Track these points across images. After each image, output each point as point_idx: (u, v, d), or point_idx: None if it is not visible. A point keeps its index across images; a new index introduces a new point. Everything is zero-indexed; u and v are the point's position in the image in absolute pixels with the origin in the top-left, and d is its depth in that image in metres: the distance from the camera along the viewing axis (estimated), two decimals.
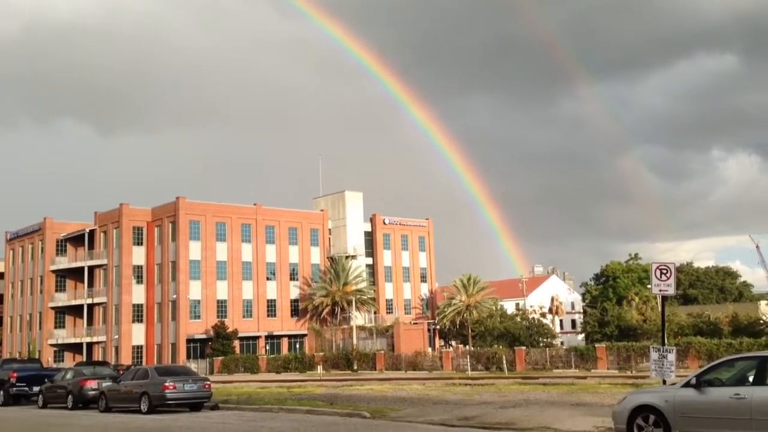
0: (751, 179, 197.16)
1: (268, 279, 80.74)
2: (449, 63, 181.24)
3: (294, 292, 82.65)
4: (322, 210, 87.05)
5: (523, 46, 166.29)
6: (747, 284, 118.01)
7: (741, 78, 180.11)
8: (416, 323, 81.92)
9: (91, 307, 79.24)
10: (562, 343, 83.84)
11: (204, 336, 73.73)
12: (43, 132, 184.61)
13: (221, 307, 76.72)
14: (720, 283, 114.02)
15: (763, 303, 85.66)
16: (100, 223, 79.96)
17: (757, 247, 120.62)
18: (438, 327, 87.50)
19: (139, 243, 77.36)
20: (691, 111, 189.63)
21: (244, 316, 77.94)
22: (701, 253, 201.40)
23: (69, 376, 29.98)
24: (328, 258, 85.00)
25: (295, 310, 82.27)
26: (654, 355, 17.50)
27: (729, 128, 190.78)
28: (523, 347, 55.95)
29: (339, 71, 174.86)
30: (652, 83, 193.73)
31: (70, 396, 28.42)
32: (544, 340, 73.26)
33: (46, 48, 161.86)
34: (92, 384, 28.10)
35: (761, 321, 62.47)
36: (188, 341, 73.66)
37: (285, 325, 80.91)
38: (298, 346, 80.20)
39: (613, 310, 77.75)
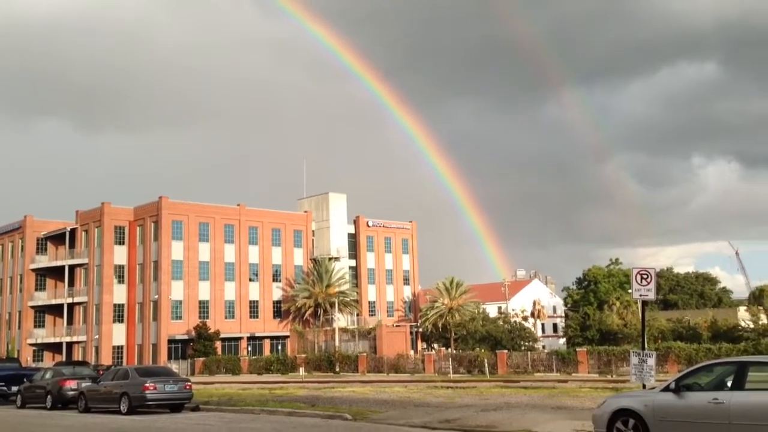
0: (731, 186, 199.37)
1: (250, 280, 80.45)
2: (434, 66, 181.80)
3: (277, 294, 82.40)
4: (305, 211, 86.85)
5: (506, 51, 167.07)
6: (726, 290, 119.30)
7: (721, 86, 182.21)
8: (399, 326, 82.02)
9: (71, 306, 78.54)
10: (543, 346, 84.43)
11: (185, 337, 73.33)
12: (24, 129, 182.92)
13: (203, 307, 76.35)
14: (699, 289, 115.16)
15: (741, 309, 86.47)
16: (82, 222, 79.31)
17: (736, 253, 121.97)
18: (420, 330, 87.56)
19: (120, 242, 76.82)
20: (671, 118, 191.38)
21: (226, 317, 77.61)
22: (681, 258, 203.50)
23: (48, 376, 29.72)
24: (311, 259, 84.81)
25: (278, 312, 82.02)
26: (634, 360, 17.62)
27: (709, 136, 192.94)
28: (505, 351, 56.24)
29: (325, 73, 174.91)
30: (634, 90, 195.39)
31: (49, 396, 28.20)
32: (526, 343, 73.83)
33: (27, 45, 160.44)
34: (71, 384, 27.87)
35: (740, 327, 63.28)
36: (169, 342, 73.22)
37: (267, 326, 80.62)
38: (280, 347, 79.96)
39: (595, 314, 78.33)
